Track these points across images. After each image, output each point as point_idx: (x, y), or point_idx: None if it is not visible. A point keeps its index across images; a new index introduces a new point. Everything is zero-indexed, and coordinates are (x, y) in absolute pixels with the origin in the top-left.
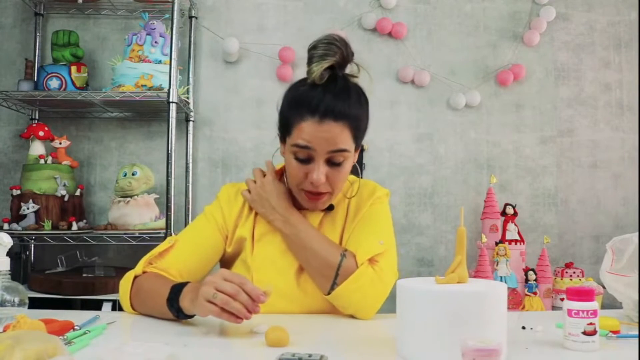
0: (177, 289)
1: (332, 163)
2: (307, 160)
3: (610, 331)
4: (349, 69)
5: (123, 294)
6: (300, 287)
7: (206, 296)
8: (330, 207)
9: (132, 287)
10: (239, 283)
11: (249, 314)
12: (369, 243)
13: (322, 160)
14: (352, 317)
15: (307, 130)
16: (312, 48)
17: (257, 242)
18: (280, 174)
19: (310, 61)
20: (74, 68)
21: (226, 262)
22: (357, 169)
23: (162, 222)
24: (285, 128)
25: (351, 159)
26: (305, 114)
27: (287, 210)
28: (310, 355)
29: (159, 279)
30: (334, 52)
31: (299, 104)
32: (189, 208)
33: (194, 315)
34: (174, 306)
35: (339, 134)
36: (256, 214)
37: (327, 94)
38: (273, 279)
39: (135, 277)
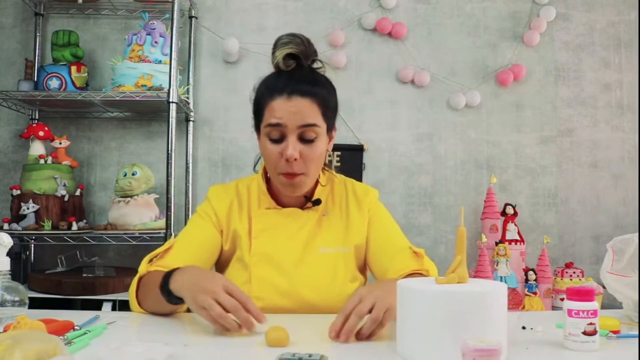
0: (169, 274)
1: (305, 140)
2: (280, 140)
3: (610, 331)
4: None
5: (130, 294)
6: (298, 283)
7: (202, 304)
8: (317, 202)
9: (138, 287)
10: (242, 301)
11: (240, 329)
12: (406, 260)
13: (294, 137)
14: None
15: (277, 107)
16: (277, 40)
17: (254, 239)
18: (265, 173)
19: (274, 50)
20: (74, 68)
21: (223, 262)
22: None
23: (162, 222)
24: (257, 114)
25: (324, 139)
26: (274, 94)
27: (382, 287)
28: (310, 355)
29: (158, 274)
30: (296, 42)
31: (268, 88)
32: (189, 208)
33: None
34: (165, 289)
35: (308, 109)
36: (250, 210)
37: (293, 77)
38: (271, 275)
39: (140, 278)
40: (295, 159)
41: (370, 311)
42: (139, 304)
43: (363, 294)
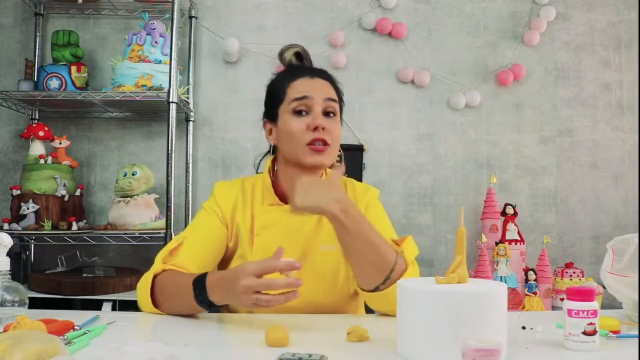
0: (200, 285)
1: (327, 114)
2: (306, 113)
3: (610, 331)
4: None
5: (143, 294)
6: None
7: (249, 304)
8: None
9: (153, 286)
10: (270, 269)
11: (295, 292)
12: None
13: (320, 108)
14: (351, 316)
15: (301, 85)
16: (280, 50)
17: (256, 236)
18: (272, 169)
19: (281, 54)
20: (74, 68)
21: (226, 259)
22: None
23: (162, 222)
24: (276, 100)
25: (339, 121)
26: (296, 76)
27: (346, 199)
28: (310, 355)
29: (180, 275)
30: (298, 46)
31: (288, 73)
32: (189, 208)
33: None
34: (205, 302)
35: (329, 87)
36: (253, 207)
37: (310, 66)
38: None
39: (155, 276)
40: (324, 128)
41: None
42: (156, 305)
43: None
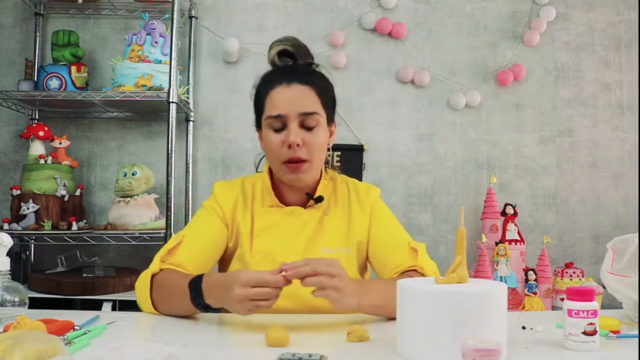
0: (196, 287)
1: (306, 127)
2: (282, 129)
3: (610, 331)
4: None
5: (142, 294)
6: (299, 284)
7: (246, 310)
8: (320, 199)
9: (151, 286)
10: (266, 283)
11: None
12: (403, 256)
13: (296, 124)
14: (351, 316)
15: (277, 96)
16: (272, 42)
17: (256, 238)
18: (270, 170)
19: (269, 50)
20: (74, 68)
21: (226, 259)
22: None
23: (162, 222)
24: (258, 107)
25: (325, 128)
26: (274, 84)
27: (356, 291)
28: (310, 355)
29: (177, 276)
30: (290, 42)
31: (267, 80)
32: (189, 208)
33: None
34: (201, 304)
35: (308, 96)
36: (253, 208)
37: (291, 69)
38: None
39: (152, 276)
40: (298, 145)
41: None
42: (155, 306)
43: (337, 266)
